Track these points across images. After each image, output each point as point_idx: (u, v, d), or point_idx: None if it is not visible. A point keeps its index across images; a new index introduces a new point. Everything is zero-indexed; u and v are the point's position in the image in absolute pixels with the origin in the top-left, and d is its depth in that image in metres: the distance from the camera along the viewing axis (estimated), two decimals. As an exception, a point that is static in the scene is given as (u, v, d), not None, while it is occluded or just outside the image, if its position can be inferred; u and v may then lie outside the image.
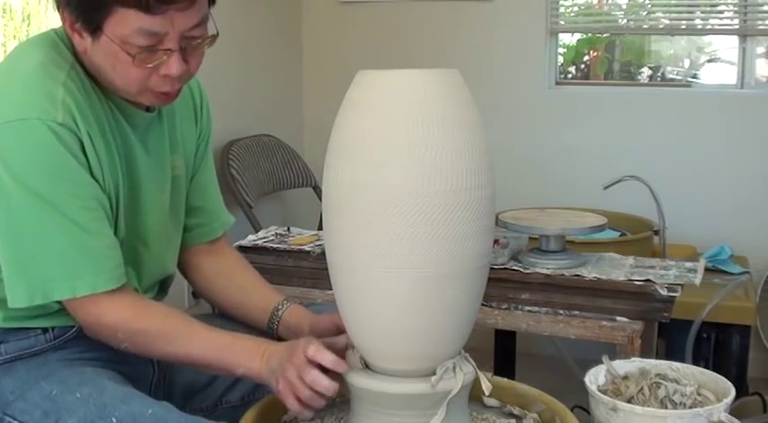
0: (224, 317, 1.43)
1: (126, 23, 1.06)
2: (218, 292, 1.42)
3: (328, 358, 1.10)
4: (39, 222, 1.08)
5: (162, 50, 1.10)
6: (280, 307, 1.35)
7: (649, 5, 3.28)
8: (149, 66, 1.11)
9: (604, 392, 1.16)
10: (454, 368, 1.10)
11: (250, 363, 1.15)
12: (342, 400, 1.27)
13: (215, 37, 1.17)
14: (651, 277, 1.69)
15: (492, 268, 1.22)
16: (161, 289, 1.37)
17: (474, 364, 1.14)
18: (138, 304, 1.17)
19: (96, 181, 1.13)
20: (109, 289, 1.12)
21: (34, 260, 1.09)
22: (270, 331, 1.34)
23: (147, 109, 1.23)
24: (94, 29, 1.08)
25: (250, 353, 1.16)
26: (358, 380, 1.11)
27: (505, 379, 1.28)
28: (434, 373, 1.08)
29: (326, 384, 1.09)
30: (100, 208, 1.13)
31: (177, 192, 1.33)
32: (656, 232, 2.53)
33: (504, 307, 1.74)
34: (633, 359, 1.26)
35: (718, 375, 1.19)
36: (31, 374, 1.15)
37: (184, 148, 1.34)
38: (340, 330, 1.25)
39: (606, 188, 2.49)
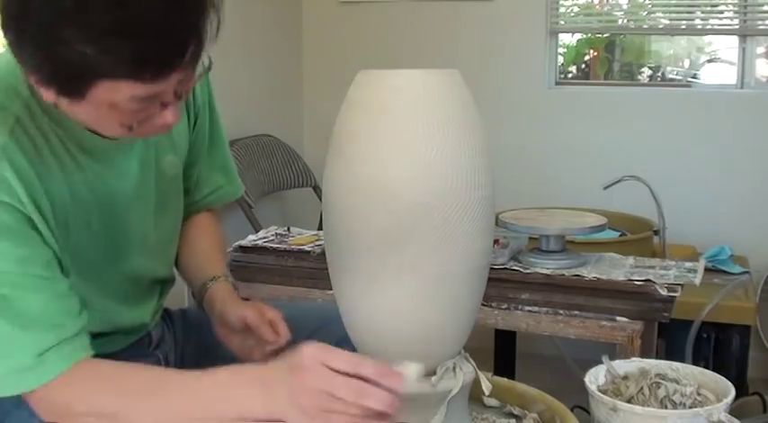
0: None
1: (116, 92, 0.91)
2: (179, 258, 1.37)
3: (375, 370, 0.86)
4: None
5: (156, 105, 0.97)
6: (208, 283, 1.28)
7: (649, 5, 3.28)
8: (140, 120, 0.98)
9: (604, 392, 1.16)
10: (454, 368, 1.10)
11: (250, 407, 0.89)
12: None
13: (210, 67, 1.03)
14: (651, 277, 1.69)
15: (492, 268, 1.22)
16: (161, 293, 1.35)
17: (474, 364, 1.14)
18: (93, 379, 1.01)
19: (49, 246, 1.02)
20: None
21: None
22: (198, 303, 1.30)
23: None
24: (74, 96, 0.92)
25: (245, 395, 0.90)
26: (358, 380, 1.11)
27: (505, 379, 1.28)
28: (434, 373, 1.08)
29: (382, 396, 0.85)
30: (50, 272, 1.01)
31: (173, 192, 1.27)
32: (656, 232, 2.53)
33: (504, 307, 1.74)
34: (633, 359, 1.26)
35: (718, 375, 1.18)
36: None
37: (180, 145, 1.26)
38: (247, 328, 1.20)
39: (606, 188, 2.49)
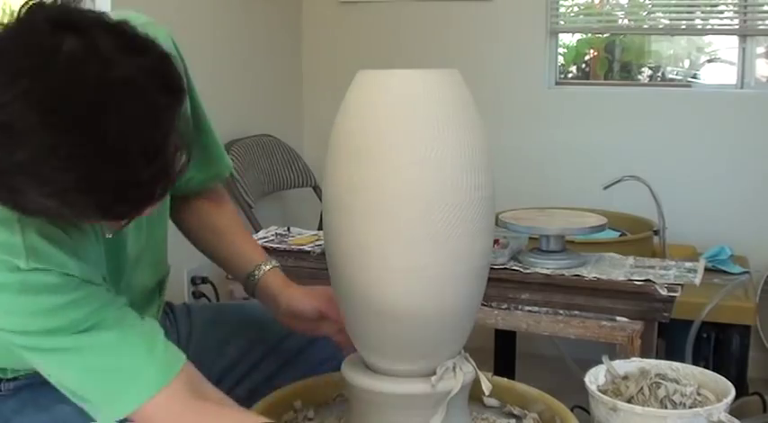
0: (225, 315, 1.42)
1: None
2: (199, 242, 1.37)
3: None
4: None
5: None
6: (256, 272, 1.29)
7: (649, 5, 3.28)
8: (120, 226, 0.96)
9: (604, 392, 1.16)
10: (454, 368, 1.10)
11: None
12: (342, 399, 1.28)
13: (188, 159, 0.94)
14: (651, 277, 1.69)
15: (492, 268, 1.22)
16: (160, 292, 1.33)
17: (474, 364, 1.14)
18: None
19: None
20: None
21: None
22: (248, 292, 1.32)
23: None
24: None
25: None
26: (358, 380, 1.11)
27: (505, 379, 1.28)
28: (434, 373, 1.08)
29: None
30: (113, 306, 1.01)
31: (161, 206, 1.22)
32: (656, 232, 2.53)
33: (504, 307, 1.74)
34: (633, 359, 1.26)
35: (718, 375, 1.18)
36: (34, 393, 1.13)
37: None
38: (322, 316, 1.25)
39: (606, 188, 2.49)
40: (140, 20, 1.15)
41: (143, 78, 0.82)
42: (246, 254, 1.33)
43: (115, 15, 1.16)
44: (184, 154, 0.91)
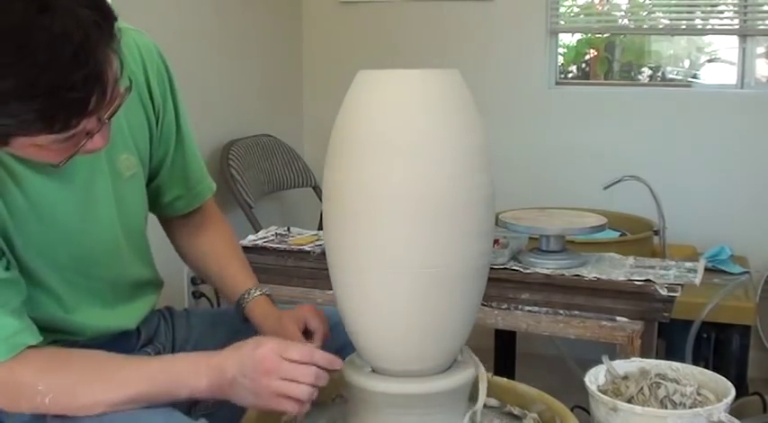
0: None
1: (36, 140, 0.93)
2: (199, 266, 1.40)
3: (324, 358, 1.06)
4: None
5: (83, 136, 0.96)
6: (246, 297, 1.32)
7: (649, 5, 3.28)
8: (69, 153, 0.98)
9: (604, 392, 1.16)
10: (461, 365, 1.11)
11: (195, 381, 1.05)
12: (341, 399, 1.28)
13: (129, 89, 1.00)
14: (651, 277, 1.69)
15: (492, 268, 1.22)
16: (146, 296, 1.32)
17: (477, 359, 1.15)
18: (53, 356, 1.06)
19: None
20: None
21: None
22: (241, 317, 1.34)
23: None
24: None
25: (191, 370, 1.05)
26: (358, 380, 1.11)
27: (505, 379, 1.28)
28: (434, 373, 1.09)
29: (323, 374, 1.06)
30: None
31: (133, 193, 1.23)
32: (656, 232, 2.53)
33: (504, 307, 1.74)
34: (633, 359, 1.26)
35: (718, 375, 1.19)
36: None
37: (135, 143, 1.21)
38: (306, 329, 1.26)
39: (606, 188, 2.49)
40: (127, 26, 1.16)
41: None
42: (233, 283, 1.36)
43: None
44: (123, 86, 0.97)
